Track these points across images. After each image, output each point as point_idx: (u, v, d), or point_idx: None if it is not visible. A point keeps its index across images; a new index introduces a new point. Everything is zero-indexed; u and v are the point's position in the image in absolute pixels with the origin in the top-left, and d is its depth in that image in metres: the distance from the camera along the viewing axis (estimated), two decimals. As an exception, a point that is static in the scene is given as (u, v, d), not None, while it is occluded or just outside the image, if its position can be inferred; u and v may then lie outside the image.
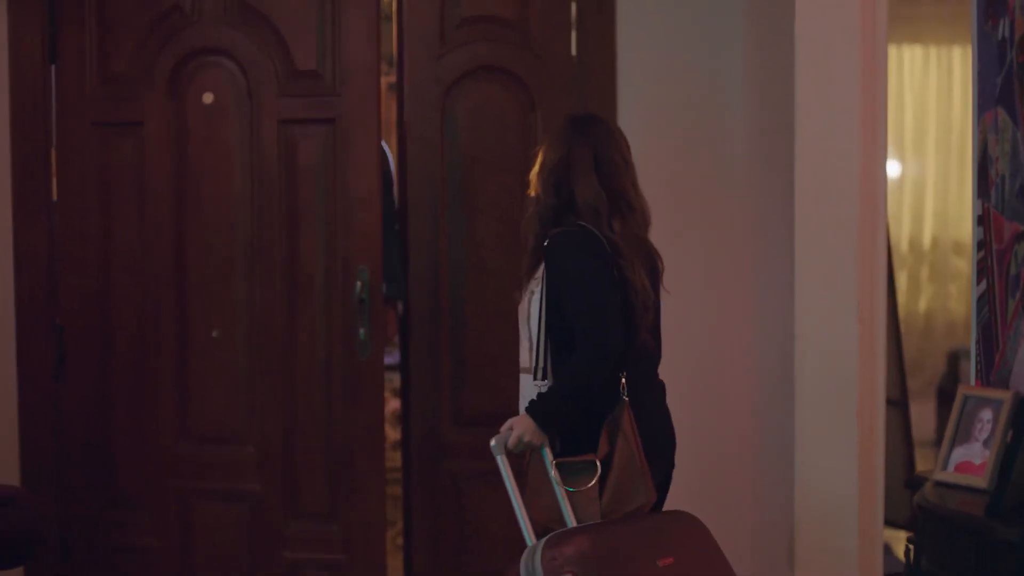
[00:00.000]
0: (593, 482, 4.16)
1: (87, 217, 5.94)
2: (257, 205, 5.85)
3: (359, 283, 5.73)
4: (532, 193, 4.44)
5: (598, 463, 4.18)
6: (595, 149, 4.37)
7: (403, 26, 5.90)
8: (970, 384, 4.27)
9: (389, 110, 9.03)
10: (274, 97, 5.82)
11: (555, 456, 4.23)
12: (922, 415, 8.79)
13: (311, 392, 5.88)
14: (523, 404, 4.35)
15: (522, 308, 4.40)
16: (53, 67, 5.92)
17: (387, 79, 9.12)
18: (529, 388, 4.34)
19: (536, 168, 4.45)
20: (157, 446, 5.95)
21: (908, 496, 5.21)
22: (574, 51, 5.88)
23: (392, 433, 9.26)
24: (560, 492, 4.17)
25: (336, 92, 5.82)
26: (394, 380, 9.08)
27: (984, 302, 4.17)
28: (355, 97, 5.82)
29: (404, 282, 5.90)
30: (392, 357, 9.11)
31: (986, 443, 3.91)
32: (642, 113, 5.89)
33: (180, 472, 5.96)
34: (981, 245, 4.21)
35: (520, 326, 4.43)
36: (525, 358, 4.39)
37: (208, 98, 5.87)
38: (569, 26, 5.88)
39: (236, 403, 5.93)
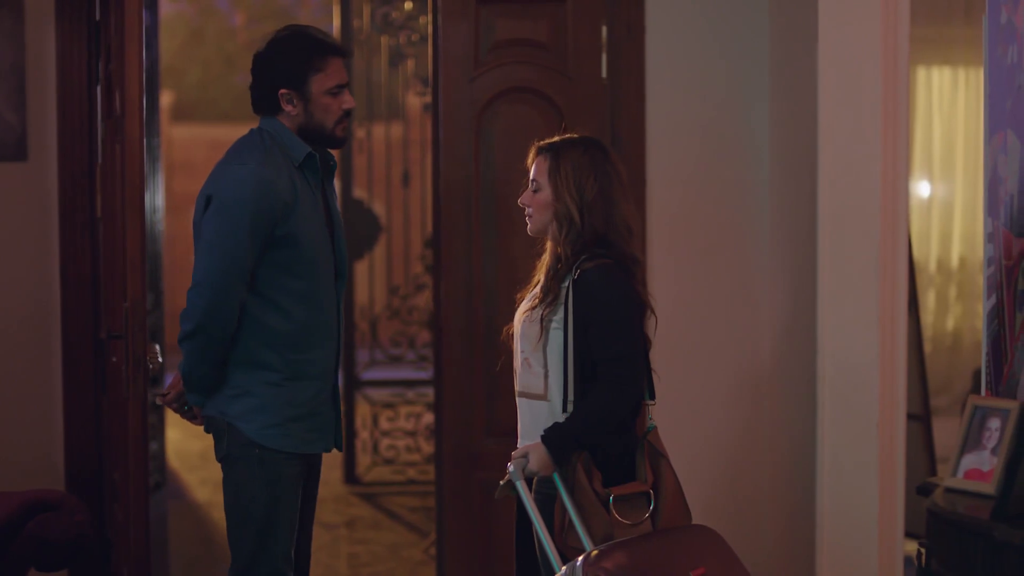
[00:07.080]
0: (648, 515, 4.13)
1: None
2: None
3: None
4: (562, 224, 4.27)
5: (651, 493, 4.16)
6: (621, 174, 4.31)
7: (438, 49, 5.97)
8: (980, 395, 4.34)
9: (424, 130, 9.19)
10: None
11: (604, 487, 4.10)
12: (948, 432, 8.77)
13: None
14: (532, 431, 4.25)
15: (536, 334, 4.24)
16: (98, 88, 6.00)
17: (423, 100, 9.27)
18: (543, 416, 4.22)
19: (566, 193, 4.26)
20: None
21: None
22: (604, 73, 5.98)
23: (426, 447, 9.40)
24: (576, 519, 4.07)
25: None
26: (428, 394, 9.23)
27: (994, 316, 4.25)
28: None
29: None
30: (426, 372, 9.25)
31: (994, 451, 3.98)
32: (670, 133, 5.99)
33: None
34: (991, 261, 4.29)
35: (530, 353, 4.26)
36: (536, 384, 4.26)
37: None
38: (600, 49, 5.98)
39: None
